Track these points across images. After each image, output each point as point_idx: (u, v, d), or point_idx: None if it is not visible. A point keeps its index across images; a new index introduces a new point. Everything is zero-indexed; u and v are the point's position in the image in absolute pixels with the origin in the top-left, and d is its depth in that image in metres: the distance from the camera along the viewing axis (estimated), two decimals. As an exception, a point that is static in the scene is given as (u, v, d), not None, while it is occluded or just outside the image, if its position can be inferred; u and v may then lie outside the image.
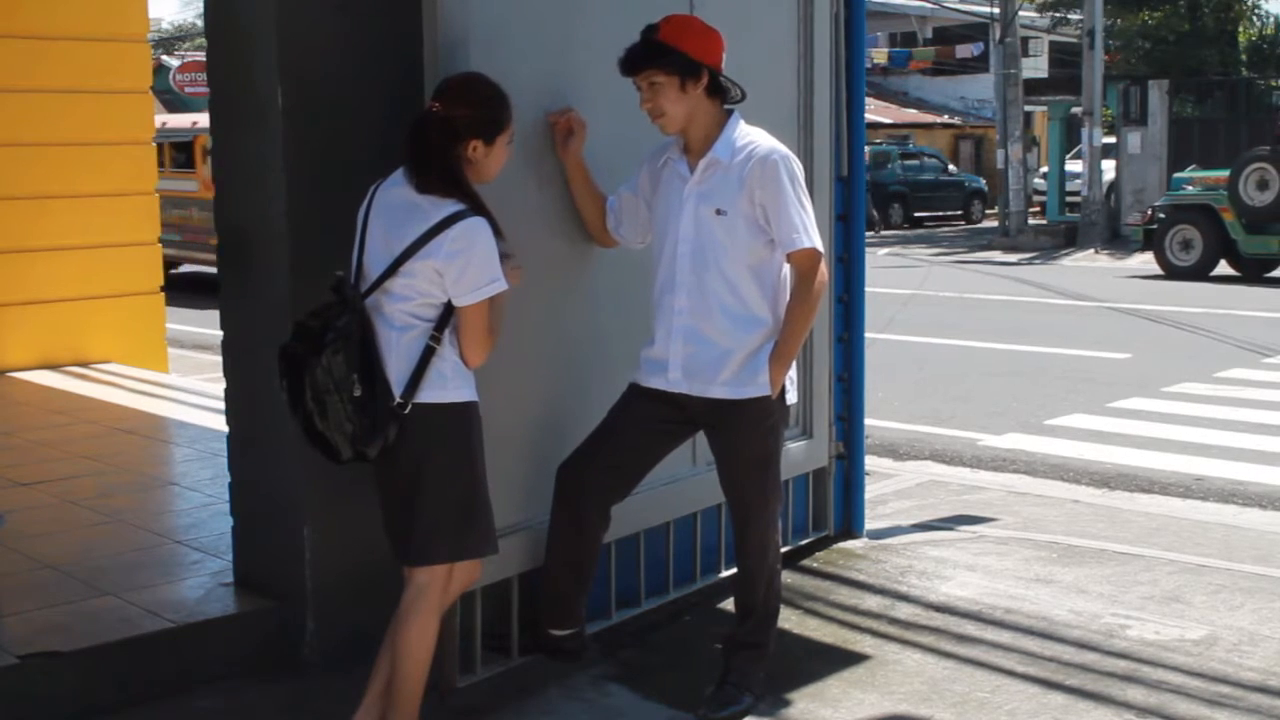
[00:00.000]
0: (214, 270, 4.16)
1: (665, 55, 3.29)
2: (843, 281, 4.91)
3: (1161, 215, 16.48)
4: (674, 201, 3.42)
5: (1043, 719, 3.45)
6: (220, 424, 4.22)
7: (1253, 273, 15.89)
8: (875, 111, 32.10)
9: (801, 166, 3.48)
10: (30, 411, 7.03)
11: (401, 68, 3.47)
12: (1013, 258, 19.13)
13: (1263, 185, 15.33)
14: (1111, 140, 23.75)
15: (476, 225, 2.95)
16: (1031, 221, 23.41)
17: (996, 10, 23.31)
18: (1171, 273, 16.07)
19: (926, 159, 29.66)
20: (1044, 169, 27.33)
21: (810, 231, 3.36)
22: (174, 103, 39.29)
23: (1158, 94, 22.35)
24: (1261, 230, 15.40)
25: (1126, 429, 7.42)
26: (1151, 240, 16.55)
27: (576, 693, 3.59)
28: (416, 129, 3.02)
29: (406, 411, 2.95)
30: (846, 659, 3.84)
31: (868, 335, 5.12)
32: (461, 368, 3.03)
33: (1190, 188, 16.83)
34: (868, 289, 5.06)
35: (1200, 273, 15.86)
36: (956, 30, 36.06)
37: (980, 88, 33.54)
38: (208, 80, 4.00)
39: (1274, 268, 15.98)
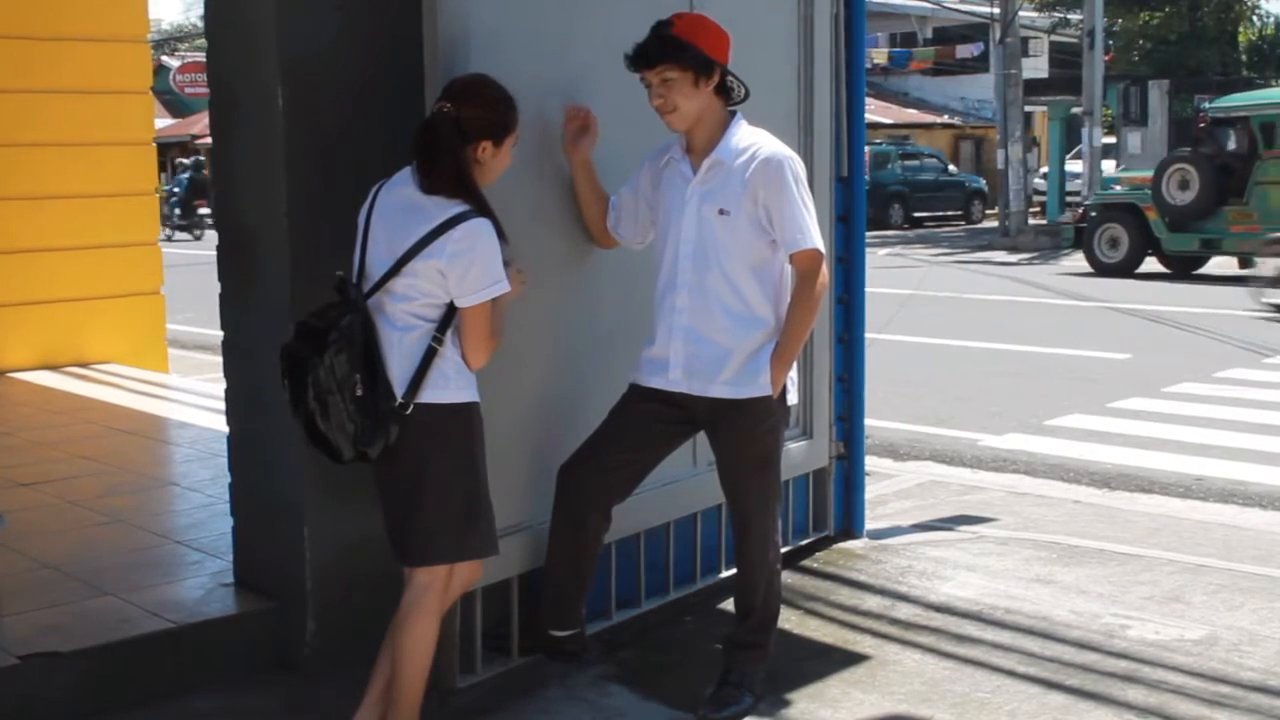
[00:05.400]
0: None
1: (682, 50, 3.29)
2: (843, 282, 4.91)
3: (1092, 214, 17.05)
4: (676, 201, 3.42)
5: (1043, 719, 3.45)
6: (220, 424, 4.22)
7: (1181, 270, 16.27)
8: (875, 112, 32.10)
9: (804, 167, 3.49)
10: (30, 412, 7.04)
11: (402, 67, 3.47)
12: (1013, 258, 19.15)
13: (1184, 185, 15.78)
14: (1112, 140, 23.77)
15: (480, 226, 2.95)
16: (1031, 222, 23.42)
17: (997, 10, 23.33)
18: (1100, 269, 16.63)
19: (926, 159, 29.66)
20: (1044, 169, 27.33)
21: (813, 233, 3.36)
22: (174, 103, 39.34)
23: (1158, 94, 22.36)
24: (1183, 228, 15.90)
25: (1127, 429, 7.42)
26: (1081, 238, 17.17)
27: (577, 693, 3.59)
28: (426, 129, 3.02)
29: (408, 412, 2.95)
30: (846, 659, 3.84)
31: (868, 335, 5.11)
32: (463, 368, 3.03)
33: (1118, 187, 17.48)
34: (868, 289, 5.05)
35: (1127, 269, 16.44)
36: (957, 30, 36.07)
37: (980, 88, 33.55)
38: (208, 81, 4.00)
39: (1200, 265, 16.45)
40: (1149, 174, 16.73)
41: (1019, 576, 4.60)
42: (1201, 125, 17.26)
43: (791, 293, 3.43)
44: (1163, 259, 16.52)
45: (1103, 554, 4.87)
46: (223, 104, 3.88)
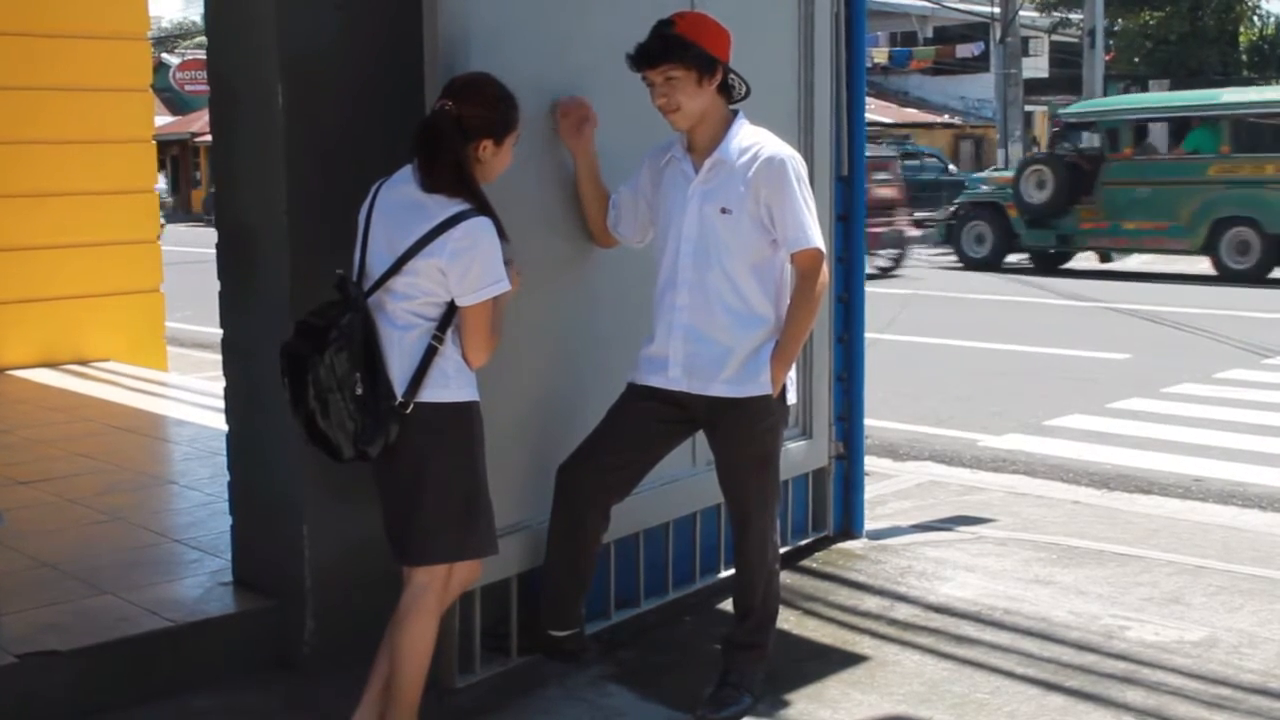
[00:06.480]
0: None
1: (685, 49, 3.28)
2: (842, 281, 4.90)
3: (961, 212, 18.47)
4: (678, 200, 3.41)
5: (1042, 720, 3.45)
6: (219, 422, 4.21)
7: (1042, 265, 17.62)
8: (875, 111, 32.04)
9: (806, 167, 3.48)
10: (29, 409, 7.02)
11: (402, 65, 3.45)
12: (1013, 258, 19.15)
13: (1040, 185, 17.03)
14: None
15: (481, 225, 2.95)
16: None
17: (997, 10, 23.33)
18: (968, 264, 18.02)
19: (926, 159, 29.62)
20: (1044, 169, 27.29)
21: (814, 232, 3.36)
22: (174, 101, 39.29)
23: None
24: (1040, 225, 17.23)
25: (1126, 429, 7.40)
26: (951, 234, 18.56)
27: (576, 693, 3.58)
28: (427, 128, 3.01)
29: (408, 411, 2.94)
30: (845, 660, 3.83)
31: (867, 335, 5.10)
32: (463, 367, 3.02)
33: (985, 187, 18.82)
34: (867, 289, 5.04)
35: (992, 264, 17.82)
36: (957, 30, 36.05)
37: (981, 87, 33.53)
38: (208, 78, 3.98)
39: (1064, 260, 17.88)
40: (1011, 174, 18.19)
41: (1018, 577, 4.59)
42: (1056, 129, 18.43)
43: (792, 292, 3.43)
44: (1031, 255, 17.93)
45: (1102, 555, 4.86)
46: (222, 102, 3.87)
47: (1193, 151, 16.33)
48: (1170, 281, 15.90)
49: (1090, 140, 17.19)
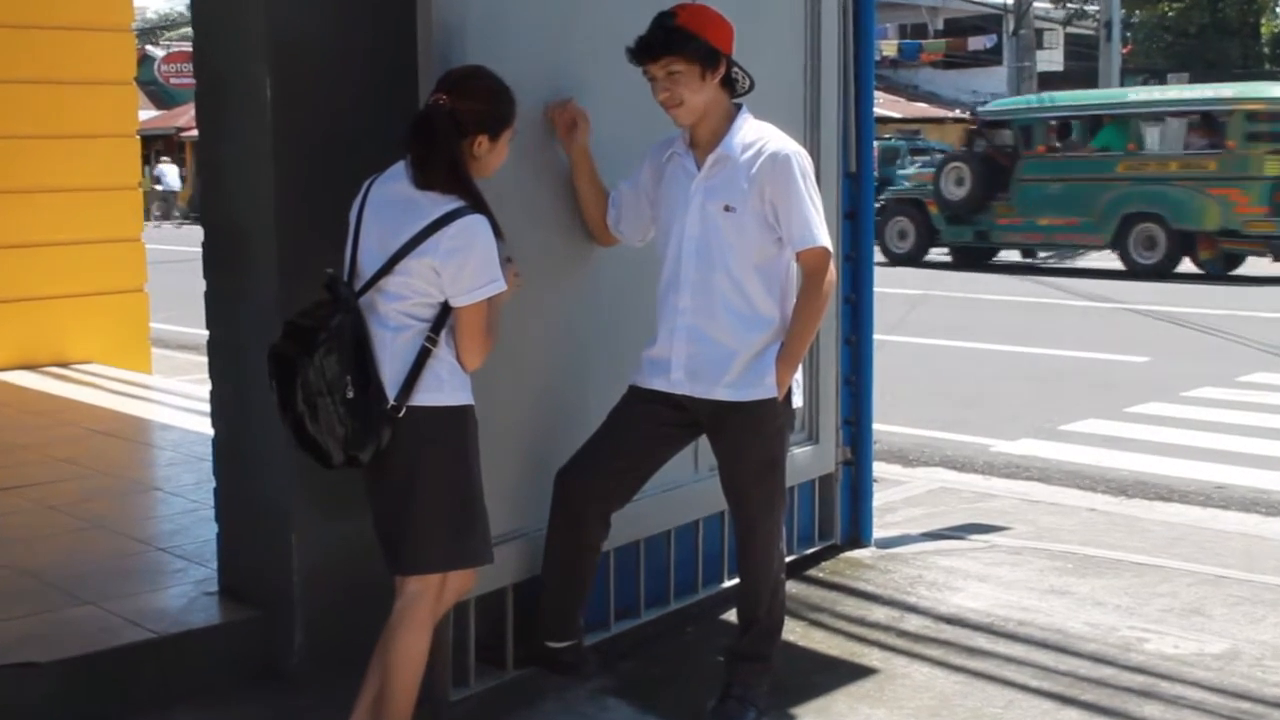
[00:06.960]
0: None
1: (687, 42, 3.22)
2: (850, 281, 4.84)
3: (886, 207, 18.97)
4: (680, 197, 3.35)
5: (1057, 738, 3.37)
6: (205, 427, 4.17)
7: (963, 260, 18.25)
8: (884, 105, 32.00)
9: (812, 163, 3.42)
10: (9, 413, 6.96)
11: (395, 57, 3.38)
12: (1027, 257, 19.20)
13: (959, 182, 17.72)
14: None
15: (476, 223, 2.89)
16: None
17: (1010, 1, 23.25)
18: (892, 259, 18.44)
19: (937, 155, 29.53)
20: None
21: (820, 230, 3.29)
22: (159, 94, 39.19)
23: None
24: (959, 221, 17.90)
25: (1145, 434, 7.34)
26: (875, 229, 18.32)
27: (574, 706, 3.53)
28: (421, 122, 2.96)
29: (400, 415, 2.89)
30: (854, 672, 3.78)
31: (876, 337, 5.04)
32: (458, 370, 2.97)
33: (908, 183, 19.43)
34: (876, 289, 4.98)
35: (914, 259, 18.39)
36: (969, 22, 35.99)
37: (993, 81, 33.43)
38: (194, 71, 3.95)
39: (988, 256, 18.58)
40: (932, 171, 18.73)
41: (1032, 587, 4.52)
42: (974, 128, 19.20)
43: (797, 292, 3.35)
44: (952, 250, 18.56)
45: (1119, 564, 4.79)
46: (209, 95, 3.82)
47: (1102, 149, 16.87)
48: (1084, 276, 16.37)
49: (1007, 138, 17.78)
